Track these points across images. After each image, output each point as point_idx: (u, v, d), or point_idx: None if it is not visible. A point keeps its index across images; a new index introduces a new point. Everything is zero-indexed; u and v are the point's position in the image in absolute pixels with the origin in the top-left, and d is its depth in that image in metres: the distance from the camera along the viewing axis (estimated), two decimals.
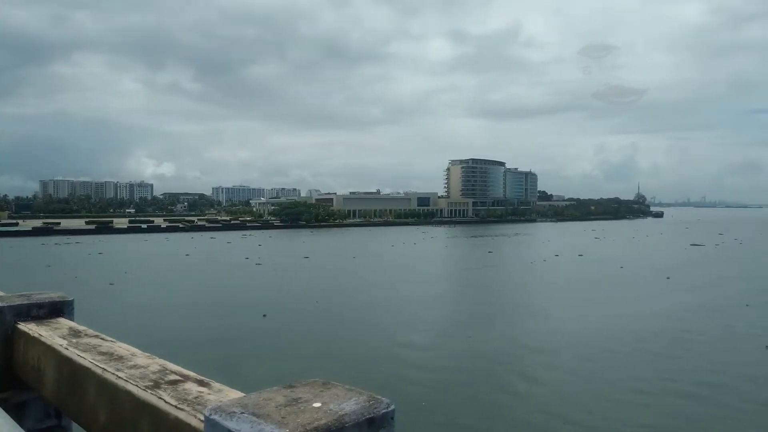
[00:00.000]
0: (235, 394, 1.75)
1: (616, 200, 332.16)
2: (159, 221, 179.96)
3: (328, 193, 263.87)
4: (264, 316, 38.97)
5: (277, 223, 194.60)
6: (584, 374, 25.71)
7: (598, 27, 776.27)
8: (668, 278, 58.54)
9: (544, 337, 32.46)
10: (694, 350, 29.79)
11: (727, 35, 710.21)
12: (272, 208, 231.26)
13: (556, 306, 43.09)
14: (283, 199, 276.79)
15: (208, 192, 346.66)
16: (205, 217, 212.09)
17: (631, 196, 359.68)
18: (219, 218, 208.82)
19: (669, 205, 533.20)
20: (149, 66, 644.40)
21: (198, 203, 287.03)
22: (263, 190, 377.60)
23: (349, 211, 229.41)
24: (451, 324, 37.50)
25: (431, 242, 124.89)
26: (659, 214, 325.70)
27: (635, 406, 21.46)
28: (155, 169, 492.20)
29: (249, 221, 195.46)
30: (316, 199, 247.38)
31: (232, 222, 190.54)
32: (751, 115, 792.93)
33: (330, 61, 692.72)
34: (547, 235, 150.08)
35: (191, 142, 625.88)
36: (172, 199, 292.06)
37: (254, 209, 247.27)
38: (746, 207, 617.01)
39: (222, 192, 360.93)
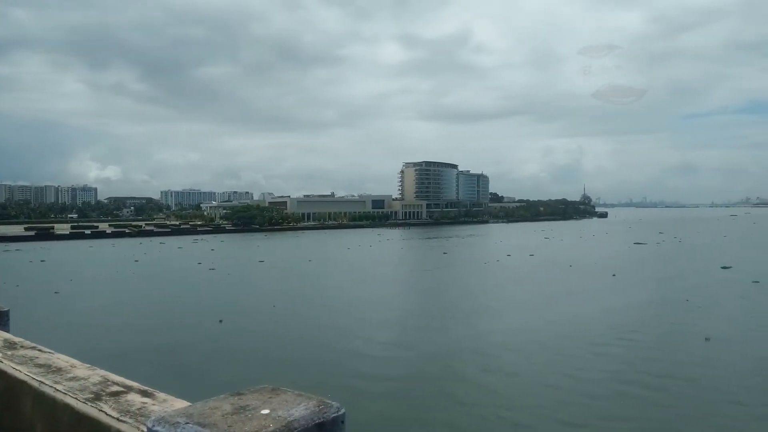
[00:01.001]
0: (180, 404, 1.68)
1: (564, 201, 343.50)
2: (104, 227, 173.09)
3: (282, 196, 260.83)
4: (220, 321, 38.21)
5: (229, 227, 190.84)
6: (536, 372, 26.25)
7: (545, 33, 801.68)
8: (614, 276, 61.03)
9: (497, 337, 32.99)
10: (641, 344, 31.07)
11: (665, 43, 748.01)
12: (224, 211, 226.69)
13: (509, 305, 44.09)
14: (235, 202, 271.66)
15: (156, 196, 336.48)
16: (154, 222, 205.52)
17: (577, 197, 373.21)
18: (168, 223, 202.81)
19: (613, 205, 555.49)
20: (92, 66, 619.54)
21: (146, 207, 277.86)
22: (214, 193, 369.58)
23: (303, 214, 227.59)
24: (406, 326, 37.76)
25: (387, 244, 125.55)
26: (604, 215, 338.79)
27: (584, 402, 22.05)
28: (99, 173, 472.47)
29: (200, 225, 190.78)
30: (270, 203, 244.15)
31: (182, 227, 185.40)
32: (688, 120, 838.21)
33: (283, 62, 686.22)
34: (499, 235, 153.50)
35: (138, 145, 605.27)
36: (118, 203, 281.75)
37: (205, 213, 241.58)
38: (684, 207, 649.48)
39: (171, 196, 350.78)
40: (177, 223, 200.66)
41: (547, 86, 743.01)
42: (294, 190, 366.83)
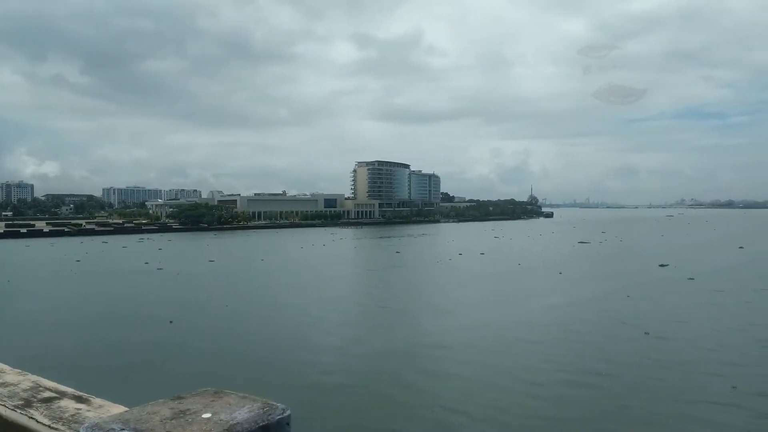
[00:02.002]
0: (117, 410, 1.61)
1: (512, 201, 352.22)
2: (41, 225, 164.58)
3: (232, 195, 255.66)
4: (171, 322, 37.22)
5: (176, 225, 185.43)
6: (483, 370, 26.63)
7: (494, 38, 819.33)
8: (560, 273, 63.27)
9: (447, 335, 33.42)
10: (585, 339, 32.28)
11: (608, 50, 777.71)
12: (171, 210, 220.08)
13: (460, 303, 44.79)
14: (182, 200, 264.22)
15: (98, 193, 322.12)
16: (95, 221, 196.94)
17: (525, 198, 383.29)
18: (111, 221, 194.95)
19: (558, 205, 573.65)
20: (30, 57, 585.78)
21: (86, 205, 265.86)
22: (160, 191, 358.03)
23: (253, 212, 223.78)
24: (358, 325, 37.91)
25: (340, 243, 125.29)
26: (549, 215, 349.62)
27: (529, 400, 22.54)
28: (36, 169, 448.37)
29: (145, 224, 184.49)
30: (219, 201, 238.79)
31: (126, 225, 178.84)
32: (628, 124, 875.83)
33: (233, 58, 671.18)
34: (450, 235, 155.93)
35: (78, 140, 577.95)
36: (57, 200, 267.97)
37: (150, 211, 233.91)
38: (624, 207, 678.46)
39: (114, 193, 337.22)
40: (120, 221, 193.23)
41: (496, 89, 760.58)
42: (244, 189, 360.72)
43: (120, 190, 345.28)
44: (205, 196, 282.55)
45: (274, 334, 34.00)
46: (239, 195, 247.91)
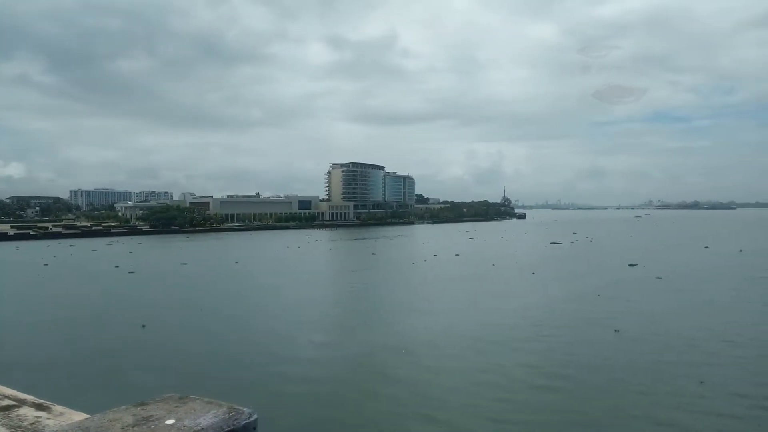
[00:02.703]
0: (79, 417, 1.55)
1: (486, 203, 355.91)
2: (5, 228, 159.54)
3: (204, 197, 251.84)
4: (143, 326, 36.64)
5: (146, 228, 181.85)
6: (458, 369, 26.80)
7: (467, 41, 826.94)
8: (534, 273, 64.31)
9: (423, 335, 33.60)
10: (558, 338, 32.88)
11: (576, 55, 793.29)
12: (141, 212, 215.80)
13: (436, 304, 45.17)
14: (153, 202, 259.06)
15: (65, 195, 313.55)
16: (62, 224, 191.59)
17: (498, 199, 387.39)
18: (78, 224, 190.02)
19: (530, 207, 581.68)
20: None
21: (53, 208, 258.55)
22: (130, 193, 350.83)
23: (226, 215, 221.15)
24: (335, 327, 37.81)
25: (315, 245, 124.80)
26: (522, 216, 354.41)
27: (503, 396, 22.77)
28: (0, 170, 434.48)
29: (114, 227, 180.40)
30: (191, 203, 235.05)
31: (94, 228, 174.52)
32: (597, 127, 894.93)
33: (205, 58, 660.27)
34: (425, 236, 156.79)
35: (44, 141, 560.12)
36: (21, 203, 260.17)
37: (120, 214, 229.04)
38: (594, 208, 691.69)
39: (81, 195, 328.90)
40: (88, 224, 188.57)
41: (470, 92, 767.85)
42: (217, 191, 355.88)
43: (88, 192, 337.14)
44: (177, 198, 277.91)
45: (248, 337, 33.70)
46: (212, 197, 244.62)
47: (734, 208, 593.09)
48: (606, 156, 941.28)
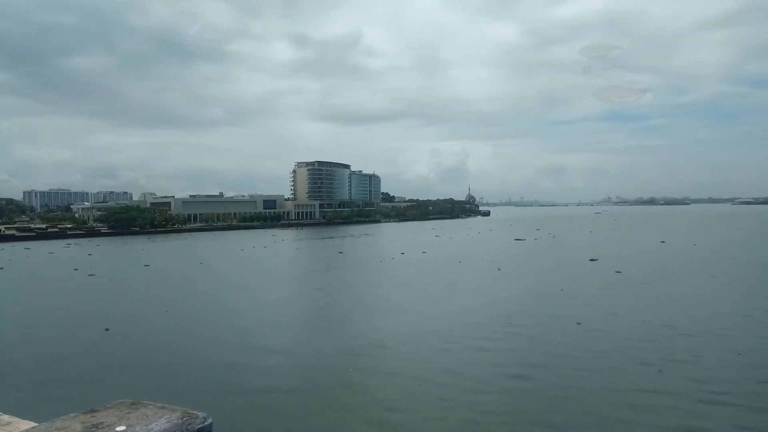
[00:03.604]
0: (26, 425, 1.49)
1: (451, 201, 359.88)
2: None
3: (165, 197, 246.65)
4: (106, 329, 35.77)
5: (105, 230, 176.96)
6: (424, 368, 26.80)
7: (430, 41, 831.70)
8: (499, 270, 65.51)
9: (391, 333, 33.76)
10: (523, 332, 33.45)
11: (536, 55, 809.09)
12: (99, 213, 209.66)
13: (404, 301, 45.49)
14: (111, 203, 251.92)
15: (18, 197, 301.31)
16: (15, 226, 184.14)
17: (463, 197, 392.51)
18: (33, 226, 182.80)
19: (494, 204, 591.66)
20: None
21: (5, 210, 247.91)
22: (87, 194, 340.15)
23: (189, 215, 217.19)
24: (301, 327, 37.69)
25: (282, 245, 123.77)
26: (486, 213, 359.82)
27: (471, 393, 22.99)
28: None
29: (71, 229, 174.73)
30: (151, 203, 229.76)
31: (50, 230, 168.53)
32: (557, 126, 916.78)
33: (164, 56, 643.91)
34: (392, 234, 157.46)
35: None
36: None
37: (77, 215, 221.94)
38: (555, 205, 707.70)
39: (35, 196, 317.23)
40: (43, 226, 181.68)
41: (433, 91, 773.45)
42: (179, 191, 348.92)
43: (42, 193, 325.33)
44: (137, 199, 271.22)
45: (212, 339, 33.16)
46: (173, 197, 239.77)
47: (688, 204, 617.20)
48: (566, 154, 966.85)
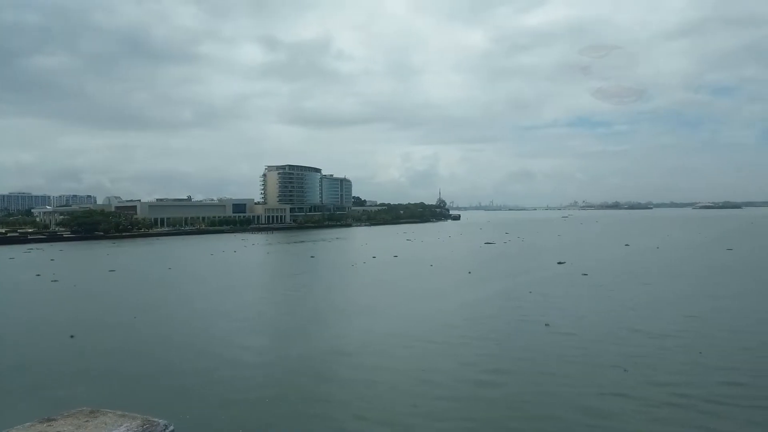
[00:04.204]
0: None
1: (422, 205, 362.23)
2: None
3: (131, 200, 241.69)
4: (71, 336, 34.87)
5: (67, 234, 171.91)
6: (397, 371, 26.84)
7: (401, 45, 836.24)
8: (470, 273, 66.30)
9: (362, 338, 33.73)
10: (493, 335, 33.91)
11: (505, 61, 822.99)
12: (61, 217, 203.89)
13: (376, 305, 45.58)
14: (74, 207, 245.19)
15: None
16: None
17: (433, 201, 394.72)
18: None
19: (465, 208, 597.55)
20: None
21: None
22: (49, 197, 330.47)
23: (156, 219, 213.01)
24: (272, 331, 37.34)
25: (252, 249, 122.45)
26: (457, 217, 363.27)
27: (441, 398, 22.95)
28: None
29: (32, 233, 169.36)
30: (117, 207, 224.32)
31: (10, 235, 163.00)
32: (525, 131, 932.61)
33: (131, 57, 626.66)
34: (363, 238, 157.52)
35: None
36: None
37: (38, 219, 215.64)
38: (524, 209, 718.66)
39: None
40: (3, 231, 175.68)
41: (405, 95, 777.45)
42: (145, 194, 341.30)
43: (2, 197, 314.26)
44: (101, 203, 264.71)
45: (181, 345, 32.60)
46: (139, 201, 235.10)
47: (651, 208, 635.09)
48: (534, 158, 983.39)
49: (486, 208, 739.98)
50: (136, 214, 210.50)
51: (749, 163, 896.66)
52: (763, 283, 53.66)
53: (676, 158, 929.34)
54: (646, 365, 26.50)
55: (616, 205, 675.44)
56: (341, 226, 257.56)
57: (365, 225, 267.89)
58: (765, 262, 72.53)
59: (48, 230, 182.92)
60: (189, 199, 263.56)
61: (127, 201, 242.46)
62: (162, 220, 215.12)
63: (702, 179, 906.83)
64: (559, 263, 73.73)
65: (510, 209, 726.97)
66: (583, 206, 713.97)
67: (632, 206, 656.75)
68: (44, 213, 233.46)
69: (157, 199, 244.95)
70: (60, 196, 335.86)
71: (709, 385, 23.40)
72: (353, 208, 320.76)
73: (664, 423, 19.58)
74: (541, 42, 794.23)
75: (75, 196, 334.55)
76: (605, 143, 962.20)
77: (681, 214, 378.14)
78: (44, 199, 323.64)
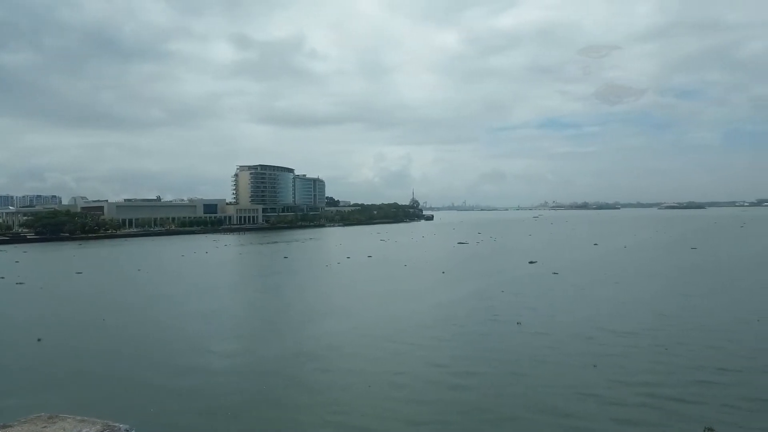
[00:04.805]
0: None
1: (395, 205, 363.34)
2: None
3: (98, 201, 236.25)
4: (39, 340, 34.01)
5: (31, 235, 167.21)
6: (373, 371, 26.92)
7: (375, 45, 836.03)
8: (443, 273, 66.90)
9: (337, 338, 33.69)
10: (466, 334, 34.30)
11: (478, 63, 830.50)
12: (25, 218, 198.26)
13: (351, 306, 45.64)
14: (39, 207, 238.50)
15: None
16: None
17: (407, 201, 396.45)
18: None
19: (438, 208, 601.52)
20: None
21: None
22: (12, 197, 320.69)
23: (124, 220, 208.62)
24: (245, 333, 37.00)
25: (224, 250, 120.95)
26: (430, 217, 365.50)
27: (415, 399, 23.06)
28: None
29: None
30: (83, 208, 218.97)
31: None
32: (498, 132, 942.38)
33: (99, 54, 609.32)
34: (337, 238, 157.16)
35: None
36: None
37: (0, 220, 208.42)
38: (496, 209, 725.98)
39: None
40: None
41: (378, 95, 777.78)
42: (113, 194, 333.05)
43: None
44: (66, 203, 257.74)
45: (150, 348, 32.01)
46: (107, 201, 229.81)
47: (618, 209, 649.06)
48: (506, 159, 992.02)
49: (459, 209, 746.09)
50: (103, 214, 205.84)
51: (713, 165, 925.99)
52: (725, 281, 55.59)
53: (643, 159, 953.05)
54: (616, 364, 27.12)
55: (585, 206, 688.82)
56: (314, 226, 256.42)
57: (339, 225, 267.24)
58: (727, 261, 75.12)
59: (11, 231, 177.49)
60: (158, 199, 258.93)
61: (94, 201, 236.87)
62: (130, 220, 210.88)
63: (668, 180, 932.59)
64: (531, 263, 74.95)
65: (482, 209, 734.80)
66: (554, 206, 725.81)
67: (600, 206, 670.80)
68: (7, 214, 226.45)
69: (125, 200, 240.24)
70: (23, 197, 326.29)
71: (677, 383, 24.02)
72: (327, 208, 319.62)
73: (633, 423, 19.97)
74: (513, 44, 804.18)
75: (39, 196, 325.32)
76: (575, 144, 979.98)
77: (647, 214, 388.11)
78: (6, 200, 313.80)
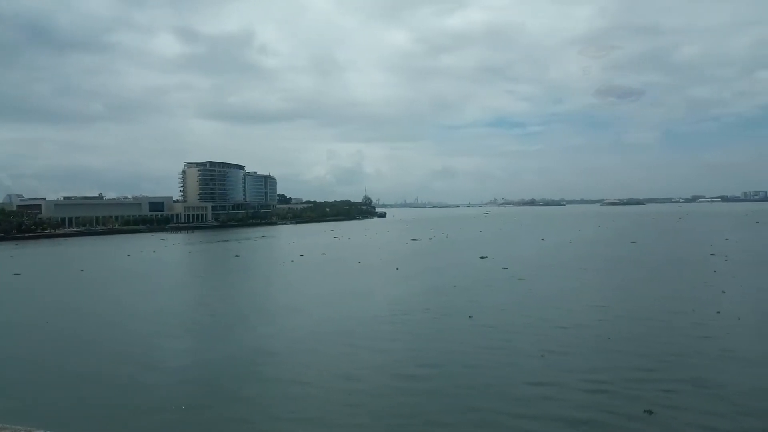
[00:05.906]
0: None
1: (348, 202, 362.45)
2: None
3: (35, 199, 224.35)
4: None
5: None
6: (327, 369, 26.83)
7: (326, 42, 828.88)
8: (397, 269, 67.63)
9: (289, 337, 33.51)
10: (420, 328, 34.90)
11: (428, 62, 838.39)
12: None
13: (305, 303, 45.47)
14: None
15: None
16: None
17: (360, 199, 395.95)
18: None
19: (391, 206, 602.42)
20: None
21: None
22: None
23: (63, 219, 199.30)
24: (195, 334, 36.24)
25: (173, 249, 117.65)
26: (383, 214, 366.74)
27: (369, 396, 23.02)
28: None
29: None
30: (18, 206, 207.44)
31: None
32: (448, 130, 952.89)
33: (34, 44, 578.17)
34: (290, 236, 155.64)
35: None
36: None
37: None
38: (447, 206, 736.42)
39: None
40: None
41: (329, 92, 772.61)
42: (51, 192, 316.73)
43: None
44: (1, 201, 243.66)
45: (97, 352, 30.84)
46: (44, 199, 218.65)
47: (564, 205, 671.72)
48: (455, 157, 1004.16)
49: (411, 206, 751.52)
50: (40, 213, 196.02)
51: (651, 163, 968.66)
52: (662, 273, 58.79)
53: (586, 158, 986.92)
54: (562, 353, 28.37)
55: (532, 202, 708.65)
56: (266, 224, 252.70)
57: (291, 223, 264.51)
58: (664, 255, 79.31)
59: None
60: (100, 197, 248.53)
61: (31, 199, 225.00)
62: (70, 219, 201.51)
63: (609, 177, 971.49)
64: (482, 258, 76.77)
65: (434, 206, 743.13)
66: (503, 203, 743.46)
67: (547, 203, 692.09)
68: None
69: (64, 197, 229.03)
70: None
71: (619, 370, 25.34)
72: (278, 206, 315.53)
73: (581, 407, 20.99)
74: (461, 44, 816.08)
75: None
76: (522, 143, 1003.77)
77: (590, 210, 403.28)
78: None
